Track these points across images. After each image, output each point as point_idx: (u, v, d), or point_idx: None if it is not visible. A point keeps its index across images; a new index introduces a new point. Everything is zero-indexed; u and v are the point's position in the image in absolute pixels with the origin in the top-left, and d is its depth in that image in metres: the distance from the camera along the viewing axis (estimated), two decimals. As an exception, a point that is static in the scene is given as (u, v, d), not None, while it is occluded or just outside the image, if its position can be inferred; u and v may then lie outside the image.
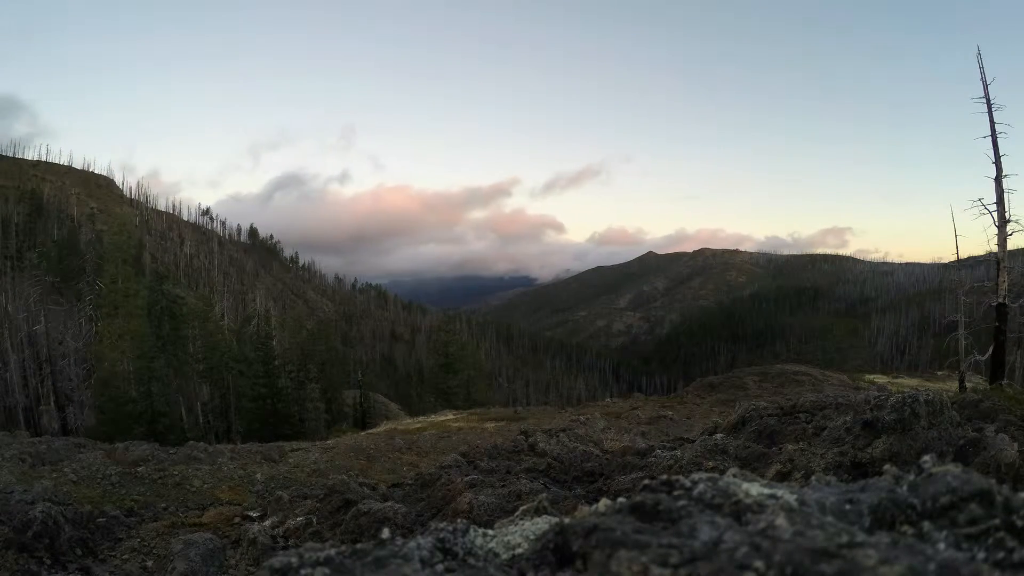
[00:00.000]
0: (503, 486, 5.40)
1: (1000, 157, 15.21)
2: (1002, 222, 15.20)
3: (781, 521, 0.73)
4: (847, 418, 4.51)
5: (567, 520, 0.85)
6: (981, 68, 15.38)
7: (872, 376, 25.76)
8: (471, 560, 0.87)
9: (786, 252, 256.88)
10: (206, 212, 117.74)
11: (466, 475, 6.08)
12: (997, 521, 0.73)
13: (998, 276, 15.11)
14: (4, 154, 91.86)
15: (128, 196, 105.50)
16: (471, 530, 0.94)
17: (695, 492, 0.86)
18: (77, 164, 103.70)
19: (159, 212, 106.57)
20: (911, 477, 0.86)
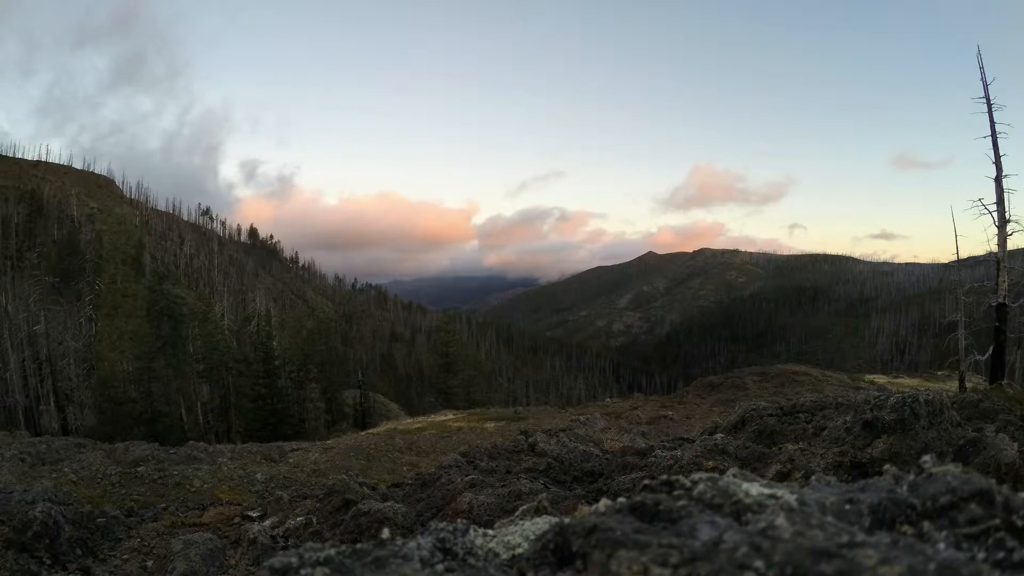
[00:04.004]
0: (503, 486, 5.39)
1: (1000, 157, 15.21)
2: (1002, 222, 15.20)
3: (781, 521, 0.73)
4: (847, 418, 4.51)
5: (567, 520, 0.85)
6: (981, 68, 15.39)
7: (872, 376, 25.73)
8: (471, 560, 0.87)
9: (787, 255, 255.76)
10: (206, 212, 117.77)
11: (466, 475, 6.07)
12: (997, 521, 0.73)
13: (998, 276, 15.11)
14: (4, 154, 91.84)
15: (128, 196, 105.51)
16: (471, 530, 0.94)
17: (695, 492, 0.86)
18: (77, 164, 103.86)
19: (159, 212, 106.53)
20: (911, 477, 0.86)
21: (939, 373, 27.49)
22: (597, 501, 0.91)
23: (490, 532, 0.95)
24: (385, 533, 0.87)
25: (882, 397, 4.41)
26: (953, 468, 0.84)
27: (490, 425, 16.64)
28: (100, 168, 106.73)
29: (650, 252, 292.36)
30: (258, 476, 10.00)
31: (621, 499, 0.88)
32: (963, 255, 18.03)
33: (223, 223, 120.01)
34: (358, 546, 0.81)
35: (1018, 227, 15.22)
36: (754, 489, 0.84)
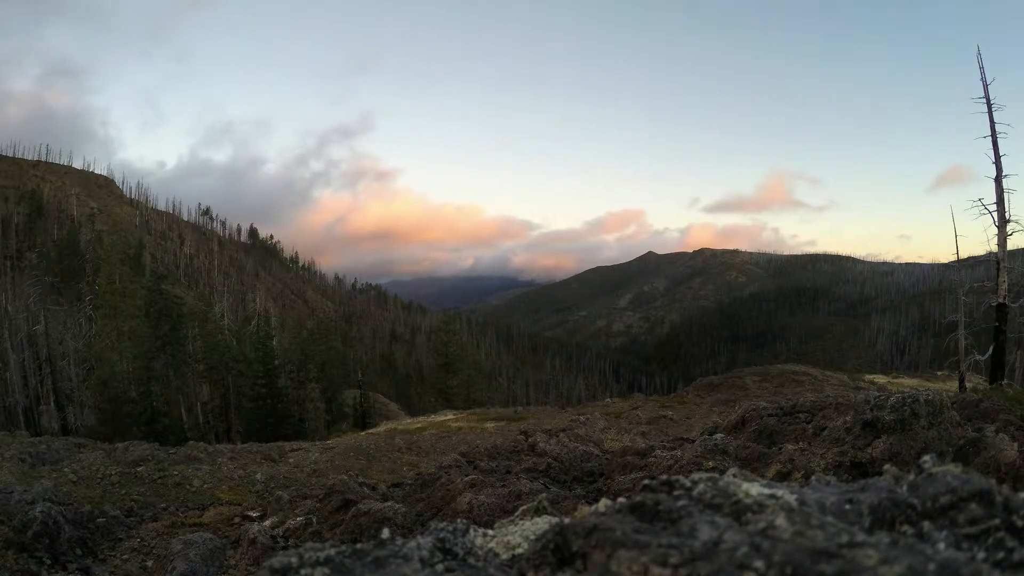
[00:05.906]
0: (503, 486, 5.39)
1: (1000, 157, 15.22)
2: (1002, 222, 15.21)
3: (781, 521, 0.73)
4: (847, 418, 4.51)
5: (567, 520, 0.85)
6: (981, 68, 15.39)
7: (872, 376, 25.72)
8: (471, 560, 0.87)
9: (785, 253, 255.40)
10: (206, 212, 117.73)
11: (466, 475, 6.07)
12: (997, 521, 0.73)
13: (998, 276, 15.11)
14: (4, 154, 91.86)
15: (128, 196, 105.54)
16: (471, 530, 0.94)
17: (695, 492, 0.86)
18: (77, 164, 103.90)
19: (159, 212, 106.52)
20: (911, 477, 0.86)
21: (939, 373, 27.49)
22: (597, 501, 0.91)
23: (490, 532, 0.95)
24: (385, 533, 0.87)
25: (882, 397, 4.41)
26: (953, 468, 0.84)
27: (490, 425, 16.64)
28: (100, 168, 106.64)
29: (650, 252, 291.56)
30: (258, 476, 10.00)
31: (621, 499, 0.88)
32: (963, 255, 18.04)
33: (223, 223, 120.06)
34: (358, 546, 0.81)
35: (1018, 227, 15.23)
36: (754, 489, 0.84)
